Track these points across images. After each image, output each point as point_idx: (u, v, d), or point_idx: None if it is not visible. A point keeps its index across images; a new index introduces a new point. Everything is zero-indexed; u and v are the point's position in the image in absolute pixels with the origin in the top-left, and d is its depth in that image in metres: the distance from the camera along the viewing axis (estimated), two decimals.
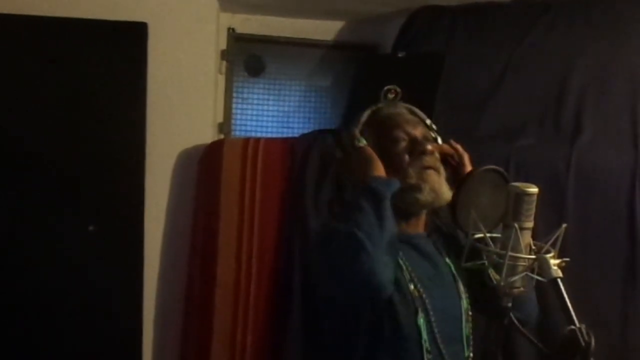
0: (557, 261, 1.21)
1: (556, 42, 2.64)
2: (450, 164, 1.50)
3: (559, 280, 1.17)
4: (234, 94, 3.31)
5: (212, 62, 3.02)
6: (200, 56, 2.98)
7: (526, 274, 1.23)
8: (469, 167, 1.48)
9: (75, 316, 2.84)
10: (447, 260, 1.50)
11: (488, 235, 1.27)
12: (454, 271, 1.48)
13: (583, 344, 1.10)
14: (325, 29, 3.33)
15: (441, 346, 1.36)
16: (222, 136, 3.16)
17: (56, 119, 2.82)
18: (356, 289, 1.29)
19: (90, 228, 2.85)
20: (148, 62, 2.86)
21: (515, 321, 1.26)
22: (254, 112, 3.36)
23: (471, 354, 1.45)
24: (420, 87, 2.62)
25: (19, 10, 2.76)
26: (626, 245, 2.24)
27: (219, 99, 3.18)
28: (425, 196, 1.40)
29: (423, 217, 1.51)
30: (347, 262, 1.26)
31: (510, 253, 1.22)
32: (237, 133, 3.31)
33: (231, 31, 3.23)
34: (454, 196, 1.34)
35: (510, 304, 1.26)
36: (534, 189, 1.23)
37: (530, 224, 1.24)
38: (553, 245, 1.23)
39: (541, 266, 1.20)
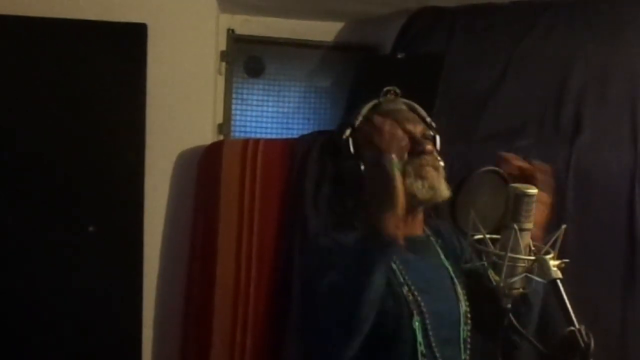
0: (557, 262, 1.21)
1: (556, 43, 2.64)
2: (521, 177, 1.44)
3: (558, 281, 1.17)
4: (234, 95, 3.31)
5: (211, 63, 3.02)
6: (199, 57, 2.98)
7: (525, 275, 1.23)
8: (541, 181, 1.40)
9: (75, 316, 2.84)
10: (446, 262, 1.49)
11: (487, 236, 1.27)
12: (452, 274, 1.47)
13: (583, 344, 1.10)
14: (325, 30, 3.33)
15: (435, 349, 1.35)
16: (221, 137, 3.16)
17: (56, 119, 2.82)
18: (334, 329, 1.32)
19: (90, 228, 2.85)
20: (148, 63, 2.86)
21: (515, 322, 1.26)
22: (254, 113, 3.36)
23: (467, 358, 1.44)
24: (420, 87, 2.60)
25: (19, 11, 2.76)
26: (626, 246, 2.24)
27: (219, 100, 3.18)
28: (423, 194, 1.39)
29: (420, 216, 1.49)
30: (329, 314, 1.31)
31: (509, 254, 1.22)
32: (237, 134, 3.31)
33: (231, 32, 3.24)
34: (454, 197, 1.34)
35: (509, 305, 1.26)
36: (534, 190, 1.23)
37: (529, 225, 1.24)
38: (552, 246, 1.23)
39: (541, 267, 1.20)
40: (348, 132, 1.47)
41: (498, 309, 1.27)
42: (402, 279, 1.37)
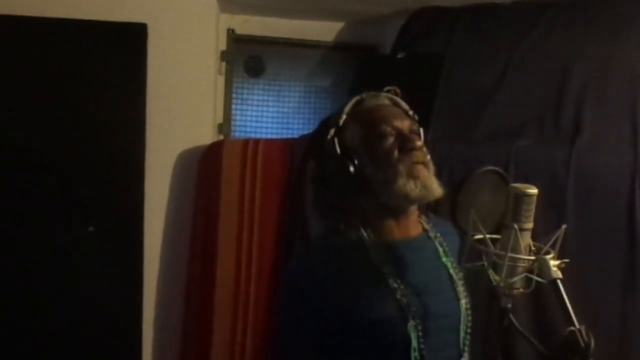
0: (557, 262, 1.20)
1: (556, 43, 2.64)
2: None
3: (558, 281, 1.17)
4: (234, 95, 3.31)
5: (211, 63, 3.02)
6: (200, 57, 2.98)
7: (526, 275, 1.23)
8: None
9: (75, 316, 2.84)
10: (445, 260, 1.46)
11: (488, 236, 1.26)
12: (452, 272, 1.46)
13: (583, 345, 1.10)
14: (325, 30, 3.33)
15: (430, 354, 1.33)
16: (221, 137, 3.17)
17: (56, 119, 2.83)
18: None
19: (90, 229, 2.85)
20: (148, 63, 2.86)
21: (515, 322, 1.26)
22: (254, 113, 3.37)
23: (466, 357, 1.43)
24: (420, 87, 2.61)
25: (19, 11, 2.76)
26: (626, 246, 2.24)
27: (219, 100, 3.18)
28: (416, 193, 1.35)
29: (414, 216, 1.46)
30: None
31: (509, 254, 1.22)
32: (237, 134, 3.31)
33: (231, 32, 3.24)
34: (454, 197, 1.33)
35: (509, 305, 1.26)
36: (534, 190, 1.23)
37: (529, 225, 1.24)
38: (553, 246, 1.23)
39: (541, 267, 1.20)
40: (333, 132, 1.43)
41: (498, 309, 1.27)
42: (394, 285, 1.35)
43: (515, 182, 1.27)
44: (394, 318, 1.32)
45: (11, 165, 2.80)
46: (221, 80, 3.20)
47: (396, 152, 1.38)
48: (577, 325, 1.12)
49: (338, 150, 1.41)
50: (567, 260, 1.21)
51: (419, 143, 1.39)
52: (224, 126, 3.21)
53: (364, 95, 1.48)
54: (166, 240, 2.98)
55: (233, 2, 3.07)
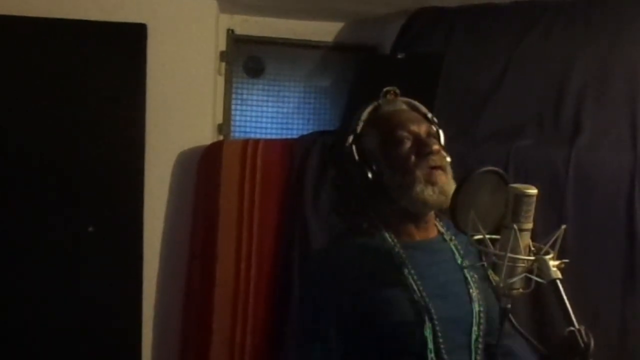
0: (557, 262, 1.20)
1: (555, 43, 2.64)
2: None
3: (558, 281, 1.17)
4: (234, 95, 3.31)
5: (211, 63, 3.02)
6: (199, 57, 2.98)
7: (525, 275, 1.23)
8: None
9: (75, 316, 2.84)
10: (460, 262, 1.45)
11: (487, 236, 1.26)
12: (466, 274, 1.45)
13: (582, 345, 1.10)
14: (325, 30, 3.33)
15: (445, 356, 1.33)
16: (221, 137, 3.16)
17: (56, 119, 2.83)
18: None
19: (90, 229, 2.85)
20: (147, 63, 2.86)
21: (515, 323, 1.26)
22: (254, 113, 3.36)
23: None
24: (420, 88, 2.59)
25: (19, 11, 2.77)
26: (625, 246, 2.24)
27: (218, 100, 3.18)
28: (435, 199, 1.36)
29: (432, 220, 1.47)
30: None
31: (509, 254, 1.22)
32: (237, 134, 3.31)
33: (230, 32, 3.24)
34: (453, 197, 1.33)
35: (509, 306, 1.26)
36: (533, 190, 1.22)
37: (529, 225, 1.24)
38: (552, 247, 1.23)
39: (540, 267, 1.20)
40: (351, 139, 1.43)
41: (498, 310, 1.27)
42: (414, 286, 1.35)
43: (515, 182, 1.27)
44: (411, 319, 1.32)
45: (11, 165, 2.80)
46: (221, 80, 3.20)
47: (413, 158, 1.38)
48: (577, 326, 1.12)
49: (356, 157, 1.41)
50: (566, 260, 1.21)
51: (436, 147, 1.39)
52: (224, 126, 3.21)
53: (380, 101, 1.48)
54: (166, 240, 2.98)
55: (233, 3, 3.07)
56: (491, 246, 1.27)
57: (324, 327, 1.36)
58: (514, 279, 1.23)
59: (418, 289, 1.34)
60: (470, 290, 1.43)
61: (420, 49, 2.84)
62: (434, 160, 1.38)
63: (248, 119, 3.36)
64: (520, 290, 1.25)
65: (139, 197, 2.89)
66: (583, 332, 1.11)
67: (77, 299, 2.83)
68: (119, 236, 2.89)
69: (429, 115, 1.48)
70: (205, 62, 3.00)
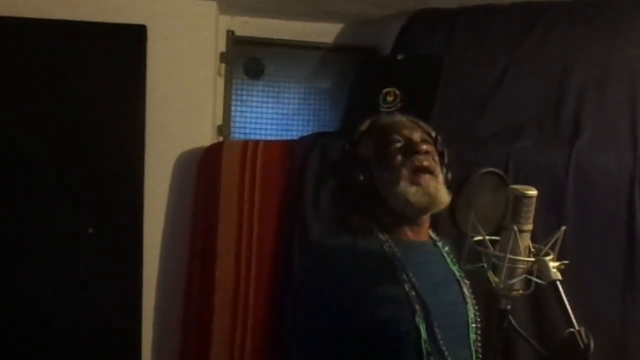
0: (557, 264, 1.21)
1: (555, 44, 2.64)
2: None
3: (558, 282, 1.17)
4: (233, 97, 3.31)
5: (211, 64, 3.02)
6: (199, 59, 2.98)
7: (525, 277, 1.23)
8: None
9: (75, 317, 2.84)
10: (452, 267, 1.49)
11: (487, 237, 1.27)
12: (459, 278, 1.47)
13: (582, 346, 1.10)
14: (325, 32, 3.33)
15: (446, 352, 1.34)
16: (221, 138, 3.16)
17: (56, 121, 2.82)
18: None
19: (90, 230, 2.85)
20: (147, 65, 2.86)
21: (514, 323, 1.26)
22: (253, 115, 3.36)
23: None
24: (420, 89, 2.62)
25: (19, 12, 2.76)
26: (625, 247, 2.24)
27: (218, 102, 3.18)
28: (418, 199, 1.37)
29: (426, 224, 1.49)
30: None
31: (509, 255, 1.22)
32: (237, 135, 3.31)
33: (230, 34, 3.24)
34: (453, 199, 1.34)
35: (509, 307, 1.26)
36: (533, 192, 1.23)
37: (529, 227, 1.24)
38: (552, 248, 1.24)
39: (540, 269, 1.20)
40: (347, 146, 1.51)
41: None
42: (404, 277, 1.36)
43: (515, 183, 1.28)
44: (405, 314, 1.33)
45: (11, 165, 2.80)
46: (221, 81, 3.20)
47: (400, 157, 1.41)
48: (577, 327, 1.13)
49: (352, 161, 1.47)
50: (566, 261, 1.21)
51: (423, 147, 1.41)
52: (224, 127, 3.21)
53: (380, 115, 1.55)
54: (166, 241, 2.98)
55: (232, 4, 3.07)
56: (491, 247, 1.27)
57: (320, 323, 1.36)
58: (514, 280, 1.24)
59: (412, 285, 1.35)
60: (464, 291, 1.45)
61: (420, 50, 2.84)
62: (420, 159, 1.40)
63: (248, 120, 3.36)
64: (520, 291, 1.26)
65: (139, 198, 2.89)
66: (583, 333, 1.12)
67: (77, 300, 2.82)
68: (119, 237, 2.88)
69: (433, 133, 1.51)
70: (205, 63, 3.00)
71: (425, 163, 1.41)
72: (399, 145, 1.43)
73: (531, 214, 1.23)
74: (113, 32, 2.84)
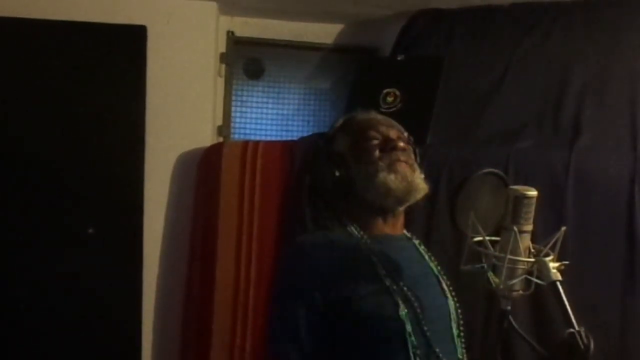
0: (557, 264, 1.21)
1: (555, 45, 2.64)
2: None
3: (558, 283, 1.17)
4: (233, 97, 3.31)
5: (211, 65, 3.02)
6: (199, 59, 2.98)
7: (525, 277, 1.24)
8: None
9: (74, 318, 2.84)
10: (429, 262, 1.50)
11: (487, 238, 1.27)
12: (437, 273, 1.48)
13: (582, 347, 1.10)
14: (325, 32, 3.33)
15: (433, 344, 1.34)
16: (221, 139, 3.16)
17: (56, 121, 2.83)
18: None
19: (90, 230, 2.85)
20: (147, 65, 2.86)
21: (514, 324, 1.26)
22: (253, 115, 3.36)
23: (464, 355, 1.43)
24: (420, 90, 2.62)
25: (19, 13, 2.76)
26: (625, 248, 2.24)
27: (218, 102, 3.18)
28: (397, 185, 1.39)
29: (401, 217, 1.50)
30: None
31: (509, 256, 1.22)
32: (237, 136, 3.31)
33: (230, 34, 3.24)
34: (454, 199, 1.34)
35: (509, 307, 1.26)
36: (533, 192, 1.23)
37: (529, 227, 1.24)
38: (552, 248, 1.24)
39: (540, 269, 1.20)
40: (323, 143, 1.54)
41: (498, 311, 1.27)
42: (383, 271, 1.36)
43: (515, 184, 1.28)
44: (386, 306, 1.32)
45: (11, 166, 2.80)
46: (221, 82, 3.20)
47: (377, 152, 1.44)
48: (577, 327, 1.13)
49: (327, 158, 1.49)
50: (566, 262, 1.21)
51: (401, 144, 1.42)
52: (224, 128, 3.21)
53: (355, 113, 1.57)
54: (166, 242, 2.98)
55: (232, 4, 3.07)
56: (491, 248, 1.27)
57: (297, 323, 1.35)
58: (514, 281, 1.24)
59: (392, 279, 1.35)
60: (443, 286, 1.45)
61: (421, 51, 2.84)
62: (398, 155, 1.43)
63: (248, 120, 3.36)
64: (520, 291, 1.26)
65: (139, 198, 2.89)
66: (583, 333, 1.12)
67: (77, 300, 2.83)
68: (119, 237, 2.89)
69: (405, 133, 1.52)
70: (205, 63, 3.00)
71: (403, 158, 1.43)
72: (376, 142, 1.45)
73: (531, 215, 1.23)
74: (113, 32, 2.84)
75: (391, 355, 1.33)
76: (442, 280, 1.47)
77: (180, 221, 2.95)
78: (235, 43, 3.26)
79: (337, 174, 1.44)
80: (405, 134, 1.53)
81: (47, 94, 2.82)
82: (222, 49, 3.19)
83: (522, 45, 2.67)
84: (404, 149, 1.44)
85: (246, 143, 2.79)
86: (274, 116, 3.39)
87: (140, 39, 2.85)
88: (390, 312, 1.32)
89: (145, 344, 2.96)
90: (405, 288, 1.35)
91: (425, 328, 1.34)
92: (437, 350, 1.34)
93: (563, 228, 1.24)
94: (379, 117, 1.55)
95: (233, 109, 3.31)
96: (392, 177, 1.39)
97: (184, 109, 2.95)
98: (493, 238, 1.28)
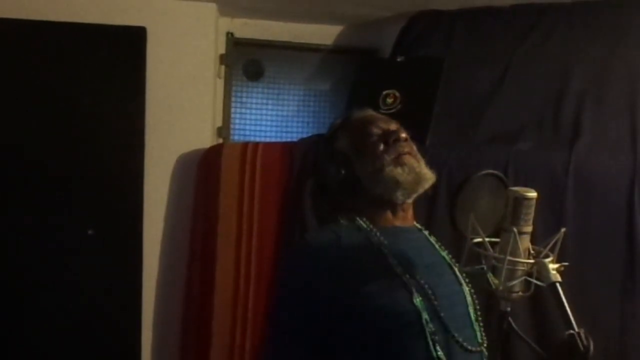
0: (556, 265, 1.21)
1: (555, 46, 2.64)
2: None
3: (557, 284, 1.17)
4: (233, 99, 3.31)
5: (211, 66, 3.02)
6: (199, 60, 2.98)
7: (525, 278, 1.23)
8: None
9: (75, 319, 2.84)
10: (441, 252, 1.49)
11: (487, 239, 1.27)
12: (449, 261, 1.47)
13: (582, 348, 1.10)
14: (324, 33, 3.34)
15: (451, 330, 1.31)
16: (221, 140, 3.16)
17: (55, 123, 2.83)
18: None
19: (90, 232, 2.85)
20: (147, 67, 2.86)
21: (514, 325, 1.26)
22: (253, 117, 3.36)
23: (484, 340, 1.40)
24: (419, 91, 2.62)
25: (18, 14, 2.76)
26: (625, 249, 2.24)
27: (218, 104, 3.18)
28: (405, 177, 1.38)
29: (410, 209, 1.49)
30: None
31: (509, 257, 1.22)
32: (236, 137, 3.31)
33: (230, 35, 3.24)
34: (453, 200, 1.34)
35: (509, 309, 1.26)
36: (533, 194, 1.23)
37: (529, 228, 1.24)
38: (552, 250, 1.24)
39: (540, 270, 1.20)
40: (324, 143, 1.54)
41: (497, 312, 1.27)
42: (395, 262, 1.35)
43: (515, 185, 1.27)
44: (401, 299, 1.31)
45: (11, 168, 2.80)
46: (220, 83, 3.20)
47: (382, 145, 1.43)
48: (576, 329, 1.12)
49: (330, 157, 1.48)
50: (566, 263, 1.21)
51: (403, 135, 1.43)
52: (223, 129, 3.21)
53: (351, 112, 1.57)
54: (165, 243, 2.98)
55: (232, 6, 3.07)
56: (491, 249, 1.27)
57: (301, 322, 1.34)
58: (514, 282, 1.24)
59: (404, 269, 1.34)
60: (457, 274, 1.44)
61: (420, 52, 2.84)
62: (402, 146, 1.42)
63: (247, 122, 3.36)
64: (520, 293, 1.26)
65: (139, 200, 2.89)
66: (582, 335, 1.12)
67: (77, 302, 2.83)
68: (118, 239, 2.89)
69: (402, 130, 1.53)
70: (204, 65, 3.00)
71: (407, 149, 1.43)
72: (377, 138, 1.44)
73: (531, 216, 1.23)
74: (113, 34, 2.84)
75: (410, 345, 1.30)
76: (454, 269, 1.46)
77: (180, 222, 2.95)
78: (235, 44, 3.26)
79: (342, 172, 1.44)
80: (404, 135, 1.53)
81: (47, 96, 2.82)
82: (222, 50, 3.19)
83: (522, 46, 2.68)
84: (406, 139, 1.44)
85: (246, 144, 2.79)
86: (274, 117, 3.39)
87: (139, 40, 2.85)
88: (405, 303, 1.30)
89: (145, 344, 2.96)
90: (418, 277, 1.34)
91: (442, 315, 1.32)
92: (456, 335, 1.32)
93: (563, 229, 1.24)
94: (376, 113, 1.56)
95: (233, 110, 3.31)
96: (399, 170, 1.39)
97: (183, 111, 2.95)
98: (492, 239, 1.28)
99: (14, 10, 2.76)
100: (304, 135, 3.09)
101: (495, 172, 1.36)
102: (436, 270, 1.42)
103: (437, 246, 1.50)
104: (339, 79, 3.39)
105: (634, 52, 2.52)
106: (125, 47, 2.87)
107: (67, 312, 2.83)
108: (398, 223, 1.45)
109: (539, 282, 1.21)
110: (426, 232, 1.52)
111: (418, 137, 1.62)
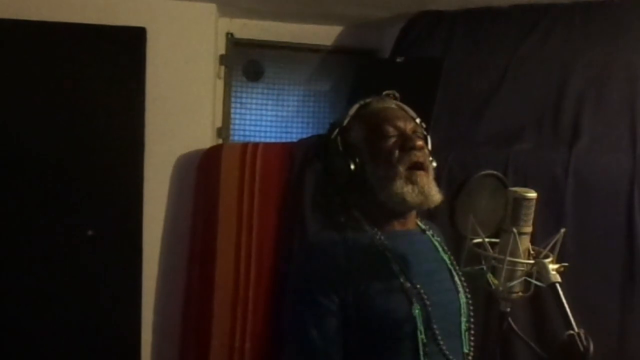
0: (556, 266, 1.20)
1: (554, 47, 2.64)
2: None
3: (557, 285, 1.17)
4: (233, 99, 3.31)
5: (210, 67, 3.02)
6: (198, 61, 2.98)
7: (525, 279, 1.23)
8: None
9: (75, 319, 2.84)
10: (443, 255, 1.48)
11: (487, 240, 1.26)
12: (450, 266, 1.47)
13: (582, 349, 1.10)
14: (324, 34, 3.34)
15: (441, 342, 1.32)
16: (220, 141, 3.17)
17: (55, 123, 2.83)
18: None
19: (89, 232, 2.85)
20: (147, 67, 2.87)
21: (514, 326, 1.26)
22: (253, 117, 3.37)
23: (471, 350, 1.41)
24: (419, 92, 2.61)
25: (18, 15, 2.77)
26: (625, 250, 2.24)
27: (218, 104, 3.18)
28: (413, 198, 1.36)
29: (413, 214, 1.48)
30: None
31: (508, 258, 1.22)
32: (236, 138, 3.31)
33: (230, 36, 3.24)
34: (453, 201, 1.33)
35: (509, 309, 1.26)
36: (533, 194, 1.23)
37: (528, 229, 1.24)
38: (552, 250, 1.23)
39: (540, 271, 1.20)
40: (336, 131, 1.47)
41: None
42: (397, 268, 1.35)
43: (514, 186, 1.27)
44: (400, 305, 1.31)
45: (10, 168, 2.80)
46: (220, 84, 3.20)
47: (397, 152, 1.39)
48: (576, 329, 1.12)
49: (341, 148, 1.44)
50: (566, 264, 1.21)
51: (420, 143, 1.40)
52: (223, 130, 3.22)
53: (370, 99, 1.51)
54: (165, 244, 2.98)
55: (232, 6, 3.07)
56: (490, 250, 1.27)
57: (312, 323, 1.33)
58: (514, 283, 1.23)
59: (406, 276, 1.34)
60: (455, 280, 1.44)
61: (420, 53, 2.84)
62: (417, 155, 1.40)
63: (247, 122, 3.36)
64: (520, 293, 1.25)
65: (139, 200, 2.89)
66: (582, 335, 1.11)
67: (77, 302, 2.83)
68: (118, 240, 2.89)
69: (417, 119, 1.50)
70: (204, 65, 3.01)
71: (421, 159, 1.40)
72: (393, 139, 1.41)
73: (531, 216, 1.23)
74: (113, 34, 2.84)
75: (400, 352, 1.32)
76: (454, 274, 1.46)
77: (180, 223, 2.95)
78: (235, 45, 3.26)
79: (352, 166, 1.41)
80: (418, 120, 1.50)
81: (47, 96, 2.82)
82: (222, 50, 3.19)
83: (521, 46, 2.68)
84: (421, 148, 1.42)
85: (245, 145, 2.79)
86: (273, 118, 3.39)
87: (139, 41, 2.85)
88: (404, 311, 1.31)
89: (145, 344, 2.97)
90: (418, 286, 1.34)
91: (435, 326, 1.32)
92: (443, 346, 1.32)
93: (562, 230, 1.24)
94: (393, 104, 1.51)
95: (232, 110, 3.31)
96: (409, 188, 1.37)
97: (183, 111, 2.95)
98: (492, 240, 1.28)
99: (14, 11, 2.76)
100: (304, 136, 3.09)
101: (495, 172, 1.35)
102: (435, 277, 1.42)
103: (440, 249, 1.49)
104: (338, 79, 3.39)
105: (633, 53, 2.52)
106: (125, 47, 2.87)
107: (67, 311, 2.83)
108: (400, 227, 1.45)
109: (538, 283, 1.20)
110: (430, 233, 1.51)
111: None
